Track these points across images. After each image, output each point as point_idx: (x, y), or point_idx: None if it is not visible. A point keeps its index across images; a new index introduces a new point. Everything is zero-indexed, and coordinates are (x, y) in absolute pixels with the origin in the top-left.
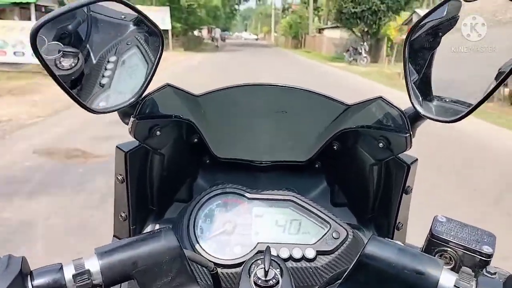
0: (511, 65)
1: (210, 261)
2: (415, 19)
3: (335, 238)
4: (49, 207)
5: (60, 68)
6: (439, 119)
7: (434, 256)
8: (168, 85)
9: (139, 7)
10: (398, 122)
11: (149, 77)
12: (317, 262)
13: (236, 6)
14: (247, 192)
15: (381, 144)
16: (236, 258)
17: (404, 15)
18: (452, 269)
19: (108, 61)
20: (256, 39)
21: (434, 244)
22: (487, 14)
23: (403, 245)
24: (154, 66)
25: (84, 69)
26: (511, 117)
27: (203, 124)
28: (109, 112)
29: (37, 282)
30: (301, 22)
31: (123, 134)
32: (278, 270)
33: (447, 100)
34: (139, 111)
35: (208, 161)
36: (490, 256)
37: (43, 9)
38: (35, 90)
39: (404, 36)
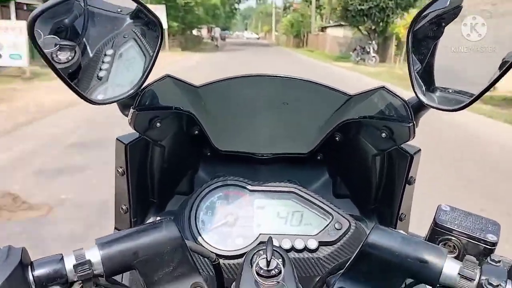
0: None
1: (212, 252)
2: None
3: (337, 229)
4: None
5: (57, 61)
6: (442, 108)
7: (438, 245)
8: (168, 76)
9: None
10: (401, 112)
11: (148, 68)
12: (319, 253)
13: (236, 5)
14: (249, 184)
15: (384, 134)
16: (238, 249)
17: (414, 12)
18: (456, 258)
19: (105, 54)
20: (258, 38)
21: (437, 233)
22: (491, 4)
23: (406, 234)
24: (154, 56)
25: (81, 62)
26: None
27: (203, 115)
28: (108, 103)
29: (37, 272)
30: (303, 20)
31: (86, 164)
32: (280, 260)
33: (450, 90)
34: (138, 102)
35: (209, 153)
36: (494, 244)
37: (25, 7)
38: (7, 98)
39: None
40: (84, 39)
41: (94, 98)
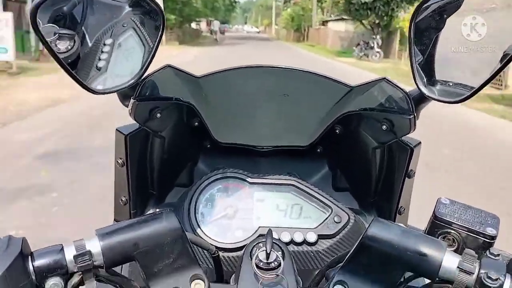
0: None
1: (211, 244)
2: None
3: (336, 222)
4: None
5: (56, 51)
6: (443, 100)
7: (437, 238)
8: (169, 66)
9: None
10: (402, 104)
11: (149, 58)
12: (319, 246)
13: None
14: (248, 177)
15: (384, 127)
16: (237, 242)
17: None
18: (455, 251)
19: (104, 44)
20: (258, 32)
21: (437, 226)
22: None
23: (405, 227)
24: (156, 45)
25: (80, 52)
26: None
27: (203, 107)
28: (109, 92)
29: (37, 263)
30: (304, 14)
31: (50, 183)
32: (280, 253)
33: (451, 83)
34: (139, 92)
35: (208, 145)
36: (493, 238)
37: None
38: None
39: None
40: (83, 27)
41: (94, 87)
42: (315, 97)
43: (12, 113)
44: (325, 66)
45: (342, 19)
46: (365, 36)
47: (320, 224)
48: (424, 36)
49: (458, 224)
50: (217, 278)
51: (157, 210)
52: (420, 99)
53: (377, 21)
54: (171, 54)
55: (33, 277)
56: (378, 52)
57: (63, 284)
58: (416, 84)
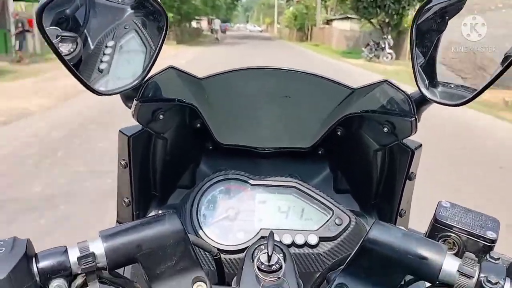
0: None
1: (213, 246)
2: None
3: (337, 225)
4: None
5: (59, 53)
6: (444, 102)
7: (438, 241)
8: (171, 67)
9: None
10: (403, 106)
11: (152, 59)
12: (320, 248)
13: None
14: (250, 179)
15: (386, 129)
16: (239, 244)
17: None
18: (456, 255)
19: (106, 46)
20: (260, 31)
21: (437, 229)
22: None
23: (406, 230)
24: (159, 46)
25: (83, 54)
26: None
27: (206, 108)
28: (112, 94)
29: (42, 264)
30: (307, 12)
31: None
32: (281, 255)
33: (453, 85)
34: (142, 94)
35: (211, 147)
36: (493, 241)
37: None
38: None
39: None
40: (85, 30)
41: (97, 89)
42: (317, 98)
43: None
44: (331, 68)
45: (347, 18)
46: (373, 36)
47: (322, 226)
48: (426, 38)
49: (458, 228)
50: (219, 280)
51: (160, 211)
52: (421, 102)
53: (386, 20)
54: (169, 54)
55: (37, 279)
56: (389, 53)
57: (66, 286)
58: (418, 86)
